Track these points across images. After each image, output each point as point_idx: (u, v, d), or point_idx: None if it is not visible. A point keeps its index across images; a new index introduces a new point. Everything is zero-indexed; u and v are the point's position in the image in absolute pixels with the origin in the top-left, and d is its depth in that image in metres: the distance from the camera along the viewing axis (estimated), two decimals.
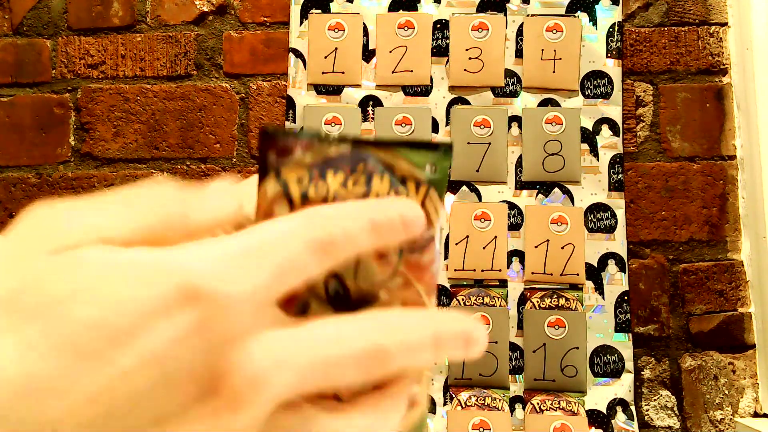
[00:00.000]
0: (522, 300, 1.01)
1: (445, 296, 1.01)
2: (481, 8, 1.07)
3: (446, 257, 1.02)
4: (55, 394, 0.17)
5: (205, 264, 0.19)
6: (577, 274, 1.00)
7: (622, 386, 0.98)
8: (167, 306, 0.18)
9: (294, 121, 1.06)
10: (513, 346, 0.99)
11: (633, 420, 0.97)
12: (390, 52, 1.06)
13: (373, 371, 0.20)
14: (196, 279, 0.18)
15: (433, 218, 0.23)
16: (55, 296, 0.17)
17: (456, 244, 1.01)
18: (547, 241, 1.01)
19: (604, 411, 0.97)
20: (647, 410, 1.00)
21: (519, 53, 1.06)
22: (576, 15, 1.05)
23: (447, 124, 1.05)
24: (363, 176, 0.22)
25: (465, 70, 1.05)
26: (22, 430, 0.16)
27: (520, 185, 1.03)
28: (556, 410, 0.97)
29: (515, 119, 1.04)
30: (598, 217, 1.02)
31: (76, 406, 0.17)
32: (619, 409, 0.98)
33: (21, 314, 0.17)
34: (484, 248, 1.01)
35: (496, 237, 1.01)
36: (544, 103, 1.04)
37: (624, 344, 0.99)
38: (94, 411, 0.17)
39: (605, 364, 0.99)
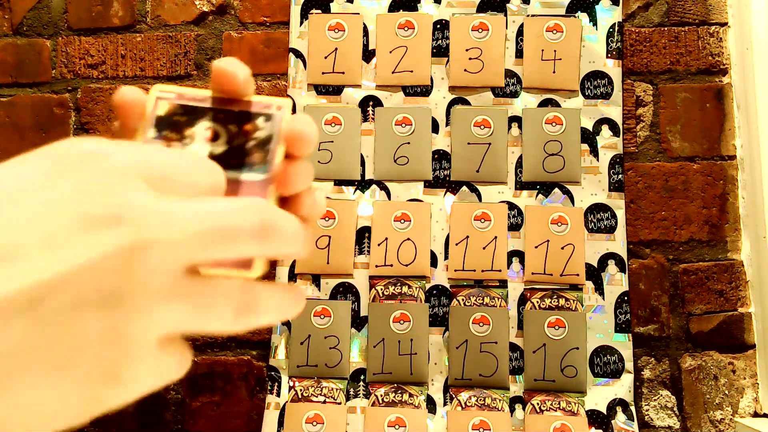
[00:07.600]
0: (522, 300, 1.00)
1: (445, 296, 1.01)
2: (481, 8, 1.06)
3: (446, 257, 1.02)
4: None
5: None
6: (577, 275, 1.00)
7: (622, 386, 0.98)
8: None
9: None
10: (513, 347, 0.99)
11: (633, 420, 0.97)
12: (390, 52, 1.06)
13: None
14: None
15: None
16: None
17: (456, 244, 1.01)
18: (547, 241, 1.01)
19: (604, 411, 0.97)
20: (647, 410, 1.00)
21: (519, 53, 1.06)
22: (576, 15, 1.05)
23: (447, 124, 1.05)
24: None
25: (465, 70, 1.05)
26: None
27: (520, 185, 1.03)
28: (556, 410, 0.97)
29: (515, 119, 1.04)
30: (598, 218, 1.02)
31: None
32: (619, 409, 0.98)
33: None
34: (484, 248, 1.01)
35: (496, 237, 1.01)
36: (544, 104, 1.04)
37: (624, 344, 0.99)
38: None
39: (605, 364, 0.99)
